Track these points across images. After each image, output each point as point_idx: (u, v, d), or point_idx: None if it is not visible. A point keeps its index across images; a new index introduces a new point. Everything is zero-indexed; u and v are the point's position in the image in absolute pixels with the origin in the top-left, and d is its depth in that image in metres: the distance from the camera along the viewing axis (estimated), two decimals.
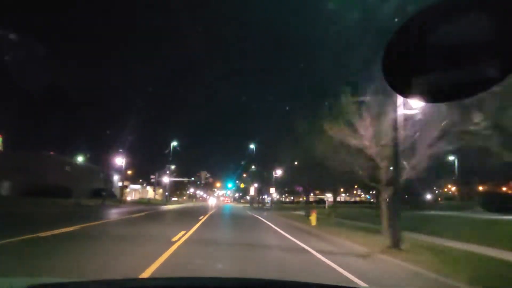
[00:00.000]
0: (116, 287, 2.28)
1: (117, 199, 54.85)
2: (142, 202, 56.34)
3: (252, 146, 59.74)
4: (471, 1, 1.39)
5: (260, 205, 62.01)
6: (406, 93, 1.65)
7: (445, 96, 1.69)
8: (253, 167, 65.03)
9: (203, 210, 36.55)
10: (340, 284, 2.91)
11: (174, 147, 69.45)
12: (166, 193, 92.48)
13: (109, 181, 59.99)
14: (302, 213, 31.90)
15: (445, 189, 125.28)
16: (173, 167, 76.59)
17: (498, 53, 1.39)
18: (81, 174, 51.86)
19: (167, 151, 67.11)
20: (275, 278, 4.88)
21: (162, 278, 3.78)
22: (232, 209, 50.25)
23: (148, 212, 27.33)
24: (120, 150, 37.50)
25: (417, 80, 1.54)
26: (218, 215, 28.42)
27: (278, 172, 35.36)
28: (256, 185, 61.28)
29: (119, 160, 40.51)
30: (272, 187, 35.26)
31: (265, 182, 58.42)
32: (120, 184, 68.99)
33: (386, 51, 1.54)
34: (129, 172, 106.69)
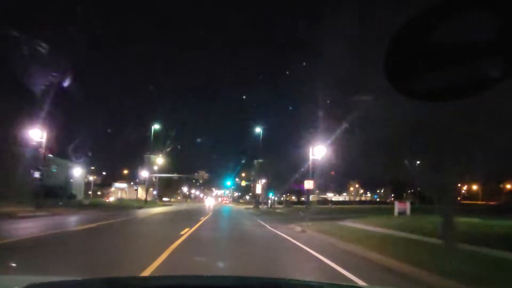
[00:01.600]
0: (118, 285, 2.15)
1: (76, 201, 38.15)
2: (106, 204, 39.31)
3: (258, 130, 43.34)
4: (471, 2, 1.34)
5: (270, 207, 45.33)
6: (408, 93, 1.64)
7: (447, 96, 1.61)
8: (255, 162, 48.55)
9: (188, 219, 20.17)
10: (339, 283, 2.96)
11: (166, 140, 53.42)
12: (154, 192, 75.71)
13: (68, 176, 43.27)
14: (383, 229, 15.22)
15: (463, 187, 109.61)
16: (159, 160, 59.82)
17: (499, 52, 1.33)
18: (19, 166, 35.16)
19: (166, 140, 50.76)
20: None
21: (164, 277, 3.48)
22: (233, 214, 33.64)
23: (64, 230, 11.01)
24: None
25: (420, 80, 1.49)
26: (208, 240, 11.72)
27: (318, 153, 18.54)
28: (264, 180, 44.76)
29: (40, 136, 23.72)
30: (308, 180, 18.26)
31: (278, 176, 41.84)
32: (84, 180, 52.14)
33: (388, 53, 1.50)
34: (125, 171, 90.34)
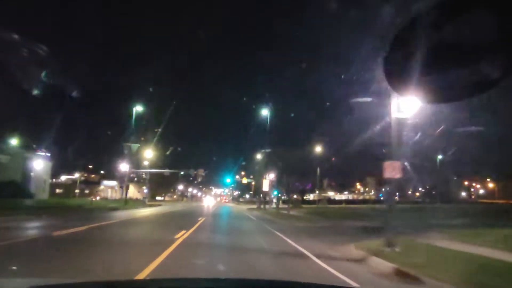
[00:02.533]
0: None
1: (23, 202, 28.44)
2: (69, 206, 29.32)
3: (265, 112, 33.85)
4: (472, 1, 1.30)
5: (276, 207, 35.60)
6: (407, 94, 1.57)
7: (447, 96, 1.56)
8: (259, 155, 38.81)
9: (156, 238, 10.64)
10: (336, 285, 2.91)
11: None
12: (145, 190, 66.18)
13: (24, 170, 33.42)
14: None
15: (478, 185, 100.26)
16: (148, 153, 50.12)
17: (501, 52, 1.30)
18: None
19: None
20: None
21: (162, 279, 3.34)
22: (236, 219, 23.64)
23: None
24: None
25: (419, 81, 1.43)
26: None
27: (408, 109, 8.98)
28: (272, 175, 35.03)
29: None
30: (392, 162, 8.54)
31: (290, 168, 32.33)
32: (48, 175, 42.21)
33: (387, 53, 1.45)
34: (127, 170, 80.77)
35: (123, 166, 35.39)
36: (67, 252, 8.17)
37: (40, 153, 36.01)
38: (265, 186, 34.42)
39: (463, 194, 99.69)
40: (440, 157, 70.08)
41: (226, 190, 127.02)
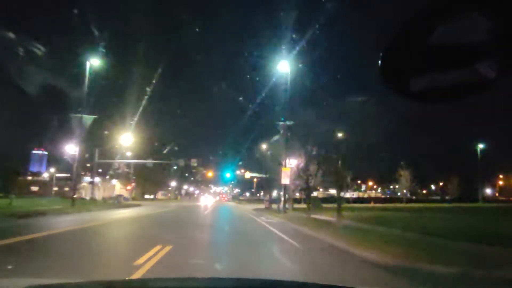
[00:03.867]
0: (115, 287, 1.98)
1: None
2: None
3: (283, 67, 21.28)
4: (468, 3, 1.30)
5: (292, 208, 22.91)
6: (404, 95, 1.55)
7: (444, 97, 1.55)
8: (278, 125, 25.74)
9: None
10: (340, 285, 2.56)
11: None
12: (128, 187, 53.86)
13: None
14: None
15: (500, 182, 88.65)
16: (129, 139, 37.62)
17: (497, 54, 1.30)
18: None
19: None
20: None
21: (161, 279, 3.11)
22: (262, 255, 9.66)
23: None
24: None
25: (416, 82, 1.44)
26: None
27: None
28: (295, 161, 22.40)
29: None
30: None
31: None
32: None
33: (384, 53, 1.44)
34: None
35: (70, 148, 22.58)
36: None
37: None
38: (285, 178, 21.80)
39: (487, 191, 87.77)
40: (481, 146, 57.57)
41: (226, 188, 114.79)
